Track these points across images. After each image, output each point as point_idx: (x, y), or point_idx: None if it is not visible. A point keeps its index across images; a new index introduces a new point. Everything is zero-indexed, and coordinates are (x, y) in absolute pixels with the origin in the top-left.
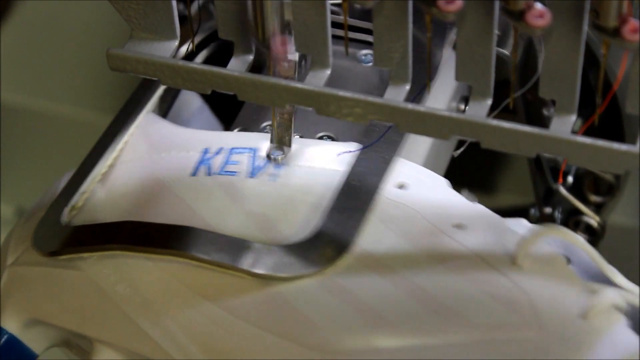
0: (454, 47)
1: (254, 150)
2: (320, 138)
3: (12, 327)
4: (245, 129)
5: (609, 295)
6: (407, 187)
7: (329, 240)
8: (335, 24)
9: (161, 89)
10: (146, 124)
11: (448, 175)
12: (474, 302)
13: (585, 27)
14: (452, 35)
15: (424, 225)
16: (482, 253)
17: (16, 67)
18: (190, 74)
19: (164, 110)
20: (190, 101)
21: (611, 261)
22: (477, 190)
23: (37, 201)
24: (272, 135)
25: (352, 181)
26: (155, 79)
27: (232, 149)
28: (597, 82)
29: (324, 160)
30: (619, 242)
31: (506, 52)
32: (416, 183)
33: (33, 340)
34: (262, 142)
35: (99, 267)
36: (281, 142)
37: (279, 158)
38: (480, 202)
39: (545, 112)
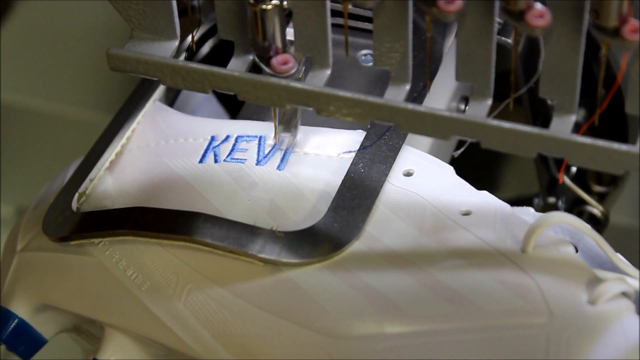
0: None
1: (260, 138)
2: None
3: (23, 311)
4: None
5: (617, 282)
6: (413, 174)
7: (338, 227)
8: (335, 25)
9: None
10: (153, 112)
11: None
12: (483, 288)
13: (585, 27)
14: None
15: (432, 212)
16: (490, 240)
17: (16, 67)
18: (190, 74)
19: (171, 99)
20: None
21: None
22: (479, 184)
23: (45, 188)
24: (278, 118)
25: (359, 169)
26: (155, 79)
27: (239, 136)
28: (599, 75)
29: (331, 148)
30: (619, 242)
31: (509, 40)
32: (423, 170)
33: (43, 325)
34: (268, 130)
35: (109, 252)
36: (289, 124)
37: (286, 141)
38: None
39: (550, 100)
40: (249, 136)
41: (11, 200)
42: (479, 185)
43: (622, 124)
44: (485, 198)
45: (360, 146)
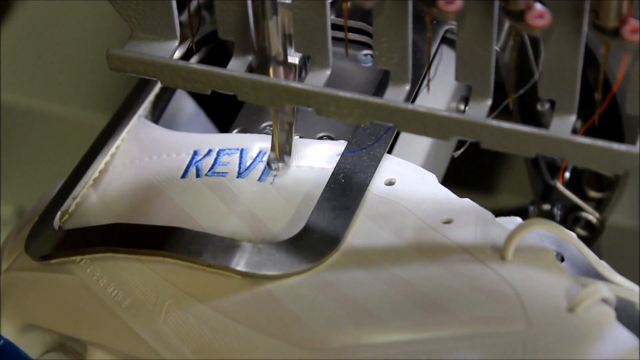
0: (442, 42)
1: (242, 151)
2: (320, 138)
3: (8, 332)
4: (245, 129)
5: (597, 289)
6: (395, 183)
7: (317, 238)
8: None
9: (153, 95)
10: (137, 129)
11: (448, 175)
12: (461, 296)
13: (585, 27)
14: (441, 32)
15: (413, 221)
16: (470, 248)
17: (16, 67)
18: (190, 74)
19: (157, 115)
20: (184, 106)
21: (611, 261)
22: (476, 190)
23: (31, 208)
24: (272, 144)
25: (340, 179)
26: (155, 79)
27: (221, 150)
28: (596, 82)
29: (312, 159)
30: (619, 242)
31: (496, 47)
32: (404, 179)
33: (29, 345)
34: (250, 143)
35: (90, 270)
36: (282, 151)
37: (279, 167)
38: (480, 202)
39: (539, 107)
40: (230, 149)
41: (11, 200)
42: (478, 190)
43: (617, 125)
44: (466, 205)
45: (348, 149)
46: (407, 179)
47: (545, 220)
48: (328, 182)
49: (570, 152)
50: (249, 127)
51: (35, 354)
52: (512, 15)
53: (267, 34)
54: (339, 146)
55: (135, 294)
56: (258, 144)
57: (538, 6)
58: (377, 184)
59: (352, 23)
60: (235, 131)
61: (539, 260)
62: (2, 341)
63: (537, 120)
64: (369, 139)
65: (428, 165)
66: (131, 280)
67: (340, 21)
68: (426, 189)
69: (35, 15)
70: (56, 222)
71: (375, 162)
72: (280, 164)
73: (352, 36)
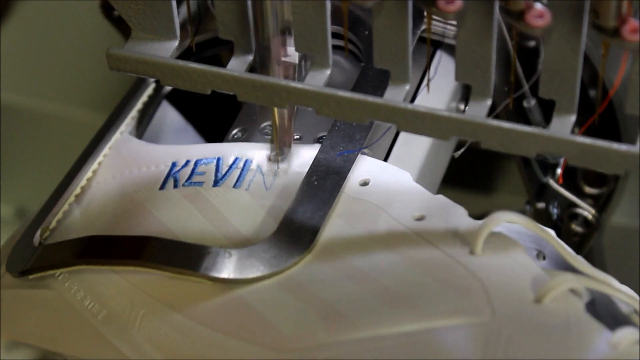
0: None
1: (218, 160)
2: (320, 138)
3: None
4: (245, 129)
5: (564, 279)
6: (370, 183)
7: (289, 241)
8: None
9: (135, 111)
10: (119, 144)
11: (447, 176)
12: (427, 291)
13: (585, 27)
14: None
15: (385, 219)
16: (439, 243)
17: (16, 67)
18: (190, 74)
19: (141, 130)
20: (171, 121)
21: (611, 261)
22: (474, 191)
23: (17, 229)
24: (272, 137)
25: (313, 181)
26: (155, 79)
27: (198, 160)
28: (591, 85)
29: (288, 163)
30: (619, 242)
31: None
32: (379, 179)
33: None
34: (227, 151)
35: (67, 283)
36: (282, 142)
37: (280, 159)
38: (479, 203)
39: (525, 104)
40: (207, 159)
41: (11, 200)
42: (476, 189)
43: (613, 127)
44: (439, 202)
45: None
46: (381, 178)
47: (512, 213)
48: (301, 184)
49: (570, 152)
50: (249, 127)
51: None
52: (512, 15)
53: (265, 26)
54: (314, 150)
55: (111, 305)
56: (234, 152)
57: (538, 6)
58: (351, 184)
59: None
60: (235, 131)
61: (508, 253)
62: None
63: (525, 117)
64: (344, 141)
65: (428, 166)
66: (107, 292)
67: (339, 30)
68: (400, 188)
69: (35, 15)
70: (36, 238)
71: (349, 163)
72: (281, 156)
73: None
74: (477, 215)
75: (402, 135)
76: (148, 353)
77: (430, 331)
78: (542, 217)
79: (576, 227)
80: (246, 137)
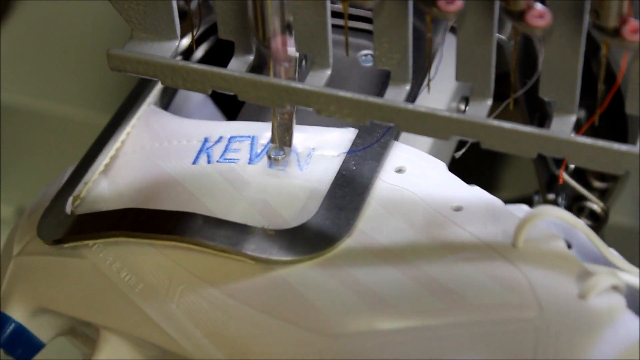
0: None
1: (253, 138)
2: None
3: (19, 316)
4: None
5: (608, 276)
6: (405, 171)
7: (329, 224)
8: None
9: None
10: (147, 116)
11: (450, 168)
12: (473, 283)
13: (586, 27)
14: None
15: (424, 208)
16: (481, 235)
17: (16, 67)
18: (190, 74)
19: (165, 103)
20: (192, 94)
21: None
22: (479, 184)
23: (41, 194)
24: (272, 135)
25: (351, 166)
26: (155, 79)
27: (232, 137)
28: (599, 75)
29: (323, 146)
30: (619, 242)
31: (503, 37)
32: (414, 167)
33: (40, 329)
34: (261, 130)
35: (102, 254)
36: (282, 142)
37: (280, 158)
38: None
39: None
40: (241, 136)
41: (11, 200)
42: (479, 185)
43: (622, 124)
44: (476, 193)
45: (354, 147)
46: (417, 166)
47: (555, 207)
48: (339, 169)
49: (571, 152)
50: None
51: (47, 338)
52: (512, 15)
53: (265, 26)
54: (350, 133)
55: (148, 279)
56: (269, 132)
57: (538, 6)
58: (387, 171)
59: (352, 23)
60: None
61: (550, 247)
62: (13, 324)
63: (543, 108)
64: (371, 139)
65: None
66: (144, 265)
67: (339, 21)
68: (436, 177)
69: (35, 15)
70: (68, 206)
71: (385, 150)
72: (281, 155)
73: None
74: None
75: (403, 136)
76: (187, 328)
77: (479, 324)
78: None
79: (584, 220)
80: None
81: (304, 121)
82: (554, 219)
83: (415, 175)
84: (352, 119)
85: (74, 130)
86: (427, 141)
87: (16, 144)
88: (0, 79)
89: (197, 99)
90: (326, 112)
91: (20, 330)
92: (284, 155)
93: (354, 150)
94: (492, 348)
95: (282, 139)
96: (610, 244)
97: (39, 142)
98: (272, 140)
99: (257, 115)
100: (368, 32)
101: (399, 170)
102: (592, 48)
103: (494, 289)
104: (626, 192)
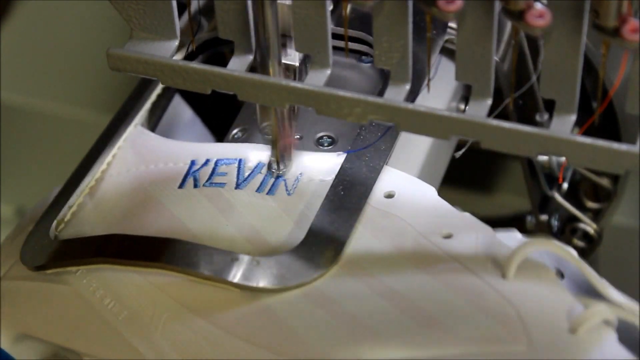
0: (441, 52)
1: (240, 161)
2: (320, 138)
3: (3, 342)
4: (245, 128)
5: (599, 310)
6: (395, 196)
7: (316, 251)
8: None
9: (149, 103)
10: (134, 137)
11: (447, 176)
12: (461, 314)
13: (585, 27)
14: (441, 42)
15: (413, 235)
16: (470, 265)
17: (16, 67)
18: (190, 74)
19: (153, 123)
20: (181, 114)
21: (611, 261)
22: (474, 191)
23: (26, 216)
24: (272, 145)
25: (339, 191)
26: (155, 78)
27: (219, 160)
28: (592, 87)
29: (311, 171)
30: (619, 242)
31: (495, 58)
32: (404, 192)
33: (24, 355)
34: (249, 153)
35: (86, 280)
36: (282, 154)
37: (281, 170)
38: (479, 203)
39: (538, 118)
40: (228, 159)
41: (11, 200)
42: (475, 196)
43: (613, 128)
44: (467, 221)
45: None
46: (407, 191)
47: (548, 239)
48: (327, 194)
49: (571, 151)
50: (249, 127)
51: None
52: (512, 15)
53: (265, 26)
54: (339, 158)
55: (132, 307)
56: (257, 155)
57: (538, 6)
58: (376, 196)
59: (352, 32)
60: (235, 131)
61: (540, 278)
62: None
63: (533, 108)
64: (368, 151)
65: (428, 166)
66: (128, 292)
67: (340, 30)
68: (426, 202)
69: (35, 15)
70: (52, 231)
71: (375, 174)
72: (281, 167)
73: (352, 45)
74: (480, 216)
75: (402, 135)
76: (169, 356)
77: (467, 356)
78: (543, 229)
79: (577, 242)
80: (246, 137)
81: (305, 120)
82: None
83: (405, 201)
84: (352, 119)
85: (74, 130)
86: (426, 141)
87: (16, 144)
88: (0, 79)
89: (185, 118)
90: (326, 112)
91: (5, 357)
92: (284, 168)
93: (351, 150)
94: None
95: (282, 157)
96: (610, 244)
97: (39, 142)
98: (273, 155)
99: (253, 122)
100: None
101: (389, 196)
102: (584, 65)
103: (483, 321)
104: (626, 193)
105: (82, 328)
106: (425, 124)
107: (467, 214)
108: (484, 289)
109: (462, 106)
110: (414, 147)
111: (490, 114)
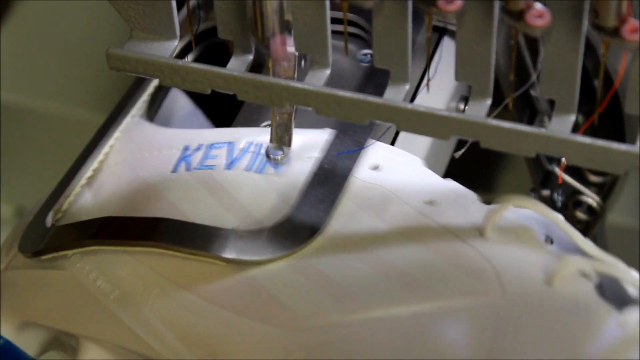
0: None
1: (230, 144)
2: None
3: (7, 331)
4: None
5: (573, 261)
6: (381, 168)
7: (301, 223)
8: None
9: (146, 95)
10: (130, 127)
11: (448, 171)
12: (439, 272)
13: (585, 27)
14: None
15: (397, 204)
16: (450, 226)
17: (16, 67)
18: (190, 74)
19: (151, 115)
20: (180, 106)
21: None
22: (474, 189)
23: (30, 210)
24: (271, 135)
25: (325, 165)
26: (155, 78)
27: (211, 144)
28: (597, 75)
29: (300, 148)
30: (619, 242)
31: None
32: (389, 164)
33: (27, 343)
34: (239, 136)
35: (80, 264)
36: (281, 141)
37: (279, 157)
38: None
39: (532, 92)
40: (219, 143)
41: (11, 200)
42: (477, 185)
43: (619, 124)
44: (450, 186)
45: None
46: (392, 163)
47: (522, 197)
48: (313, 169)
49: (570, 151)
50: (249, 126)
51: (35, 352)
52: (512, 14)
53: (265, 26)
54: (326, 134)
55: (123, 286)
56: (247, 137)
57: (538, 6)
58: (362, 169)
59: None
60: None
61: (519, 237)
62: (1, 340)
63: (533, 106)
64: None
65: (428, 165)
66: (119, 272)
67: (336, 14)
68: (411, 173)
69: (35, 15)
70: (49, 220)
71: (360, 148)
72: (280, 155)
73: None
74: (485, 202)
75: (402, 135)
76: (160, 331)
77: (442, 311)
78: (546, 205)
79: (580, 215)
80: None
81: (304, 119)
82: (534, 214)
83: (391, 172)
84: (352, 119)
85: (74, 130)
86: (426, 140)
87: (16, 144)
88: (0, 79)
89: (185, 110)
90: (326, 112)
91: (9, 347)
92: (282, 155)
93: (341, 152)
94: (454, 334)
95: (281, 139)
96: (610, 243)
97: (39, 142)
98: (272, 140)
99: (253, 122)
100: (361, 38)
101: (375, 168)
102: (589, 53)
103: (459, 277)
104: (626, 191)
105: (78, 311)
106: (425, 124)
107: (450, 181)
108: (461, 247)
109: (462, 106)
110: (414, 147)
111: (489, 114)
